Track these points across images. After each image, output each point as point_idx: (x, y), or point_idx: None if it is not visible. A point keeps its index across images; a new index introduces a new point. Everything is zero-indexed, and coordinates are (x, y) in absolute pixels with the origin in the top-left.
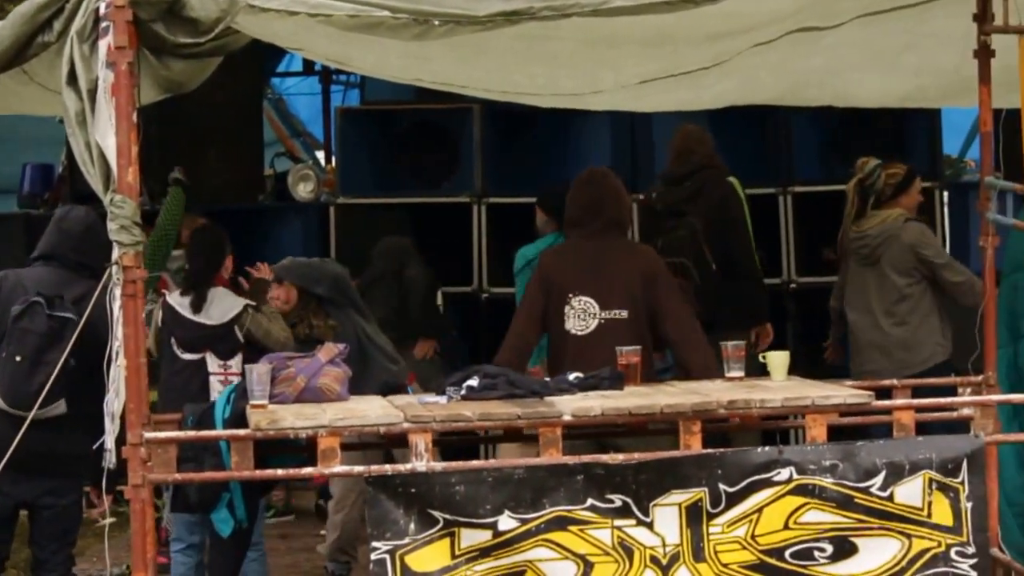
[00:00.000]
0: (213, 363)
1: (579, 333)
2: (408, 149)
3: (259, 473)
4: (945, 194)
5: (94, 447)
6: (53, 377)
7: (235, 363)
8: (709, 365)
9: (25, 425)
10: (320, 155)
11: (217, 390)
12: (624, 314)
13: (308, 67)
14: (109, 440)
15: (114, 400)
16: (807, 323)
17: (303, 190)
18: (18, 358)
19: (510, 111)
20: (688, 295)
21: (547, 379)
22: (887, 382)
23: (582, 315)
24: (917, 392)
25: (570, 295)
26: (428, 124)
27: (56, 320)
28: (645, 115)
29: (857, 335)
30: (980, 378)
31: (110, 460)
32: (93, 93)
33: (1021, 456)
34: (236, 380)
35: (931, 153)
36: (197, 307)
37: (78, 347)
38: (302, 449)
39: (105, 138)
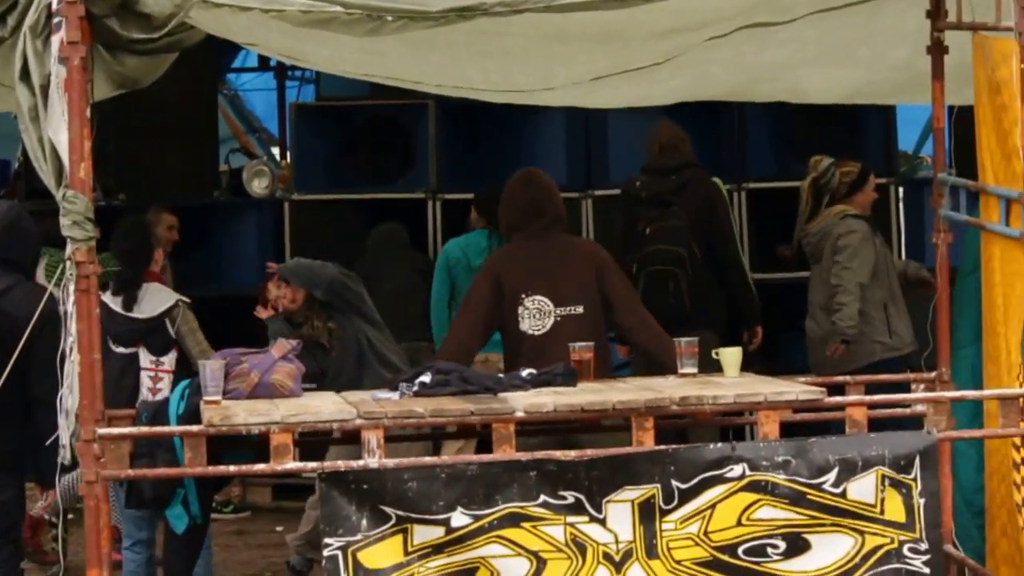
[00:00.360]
0: (145, 359)
1: (536, 333)
2: (363, 145)
3: (212, 469)
4: (900, 190)
5: (47, 443)
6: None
7: (167, 360)
8: (670, 346)
9: None
10: (276, 151)
11: (147, 386)
12: (580, 309)
13: (263, 63)
14: (64, 436)
15: (68, 396)
16: (764, 319)
17: (258, 186)
18: None
19: (465, 107)
20: (681, 286)
21: (500, 375)
22: (840, 378)
23: (537, 314)
24: (870, 389)
25: (523, 295)
26: (383, 120)
27: None
28: (600, 112)
29: (807, 332)
30: (933, 374)
31: (64, 456)
32: (46, 89)
33: (981, 456)
34: (166, 376)
35: (886, 149)
36: (128, 307)
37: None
38: (255, 445)
39: (58, 134)
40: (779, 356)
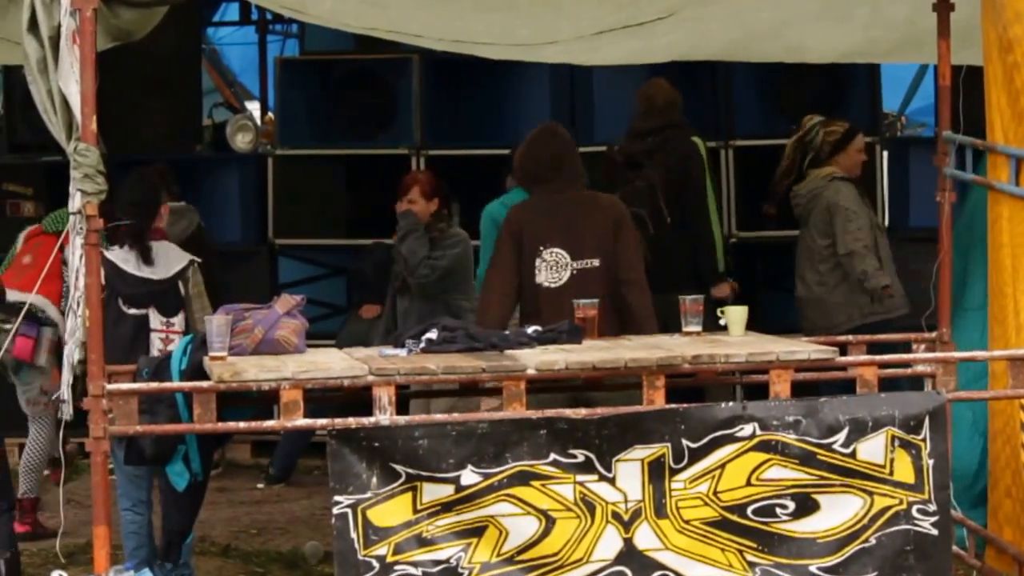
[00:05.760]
0: (155, 319)
1: (552, 286)
2: (347, 100)
3: (221, 426)
4: (885, 151)
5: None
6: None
7: (177, 321)
8: (649, 312)
9: None
10: (252, 106)
11: (158, 348)
12: (596, 263)
13: (244, 17)
14: (65, 391)
15: (74, 351)
16: (747, 278)
17: (241, 140)
18: None
19: (449, 62)
20: (642, 244)
21: (506, 332)
22: (843, 338)
23: (554, 267)
24: (870, 349)
25: (541, 247)
26: (367, 74)
27: None
28: (586, 69)
29: (796, 294)
30: (934, 335)
31: (67, 412)
32: (55, 40)
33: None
34: (176, 338)
35: (871, 108)
36: (147, 261)
37: None
38: (256, 401)
39: (68, 86)
40: (763, 316)
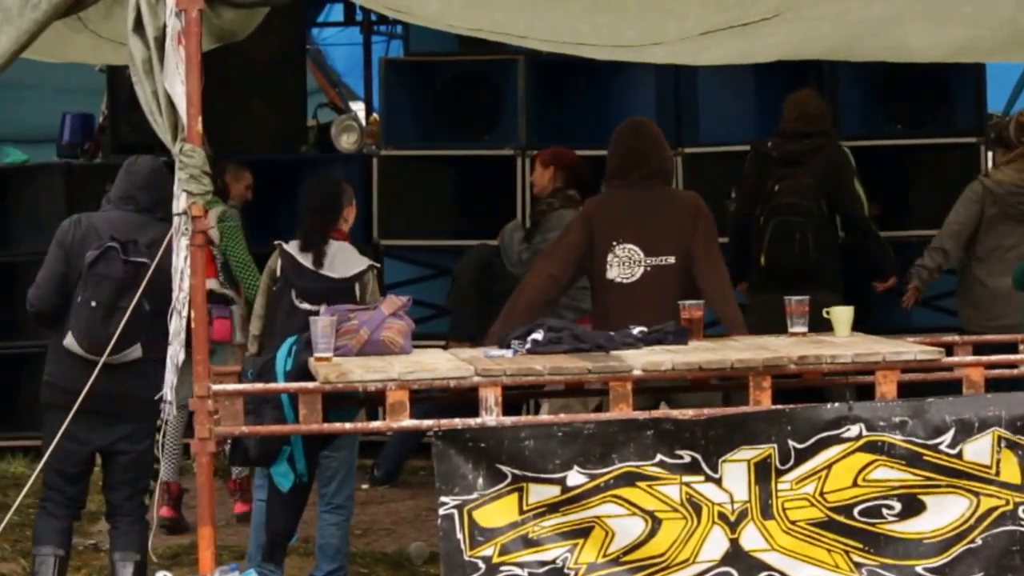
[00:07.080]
0: None
1: (624, 281)
2: (452, 100)
3: (327, 426)
4: (990, 152)
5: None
6: (125, 321)
7: None
8: (738, 320)
9: (96, 369)
10: (356, 106)
11: None
12: (671, 260)
13: (349, 17)
14: (168, 392)
15: (179, 351)
16: (852, 277)
17: (346, 141)
18: (94, 304)
19: (555, 63)
20: (807, 238)
21: (611, 333)
22: (948, 339)
23: (627, 263)
24: (978, 350)
25: (614, 243)
26: (472, 75)
27: (131, 265)
28: (690, 70)
29: (993, 288)
30: None
31: (170, 412)
32: (160, 41)
33: None
34: None
35: (976, 109)
36: (317, 263)
37: (151, 291)
38: (361, 402)
39: (173, 86)
40: (869, 317)
